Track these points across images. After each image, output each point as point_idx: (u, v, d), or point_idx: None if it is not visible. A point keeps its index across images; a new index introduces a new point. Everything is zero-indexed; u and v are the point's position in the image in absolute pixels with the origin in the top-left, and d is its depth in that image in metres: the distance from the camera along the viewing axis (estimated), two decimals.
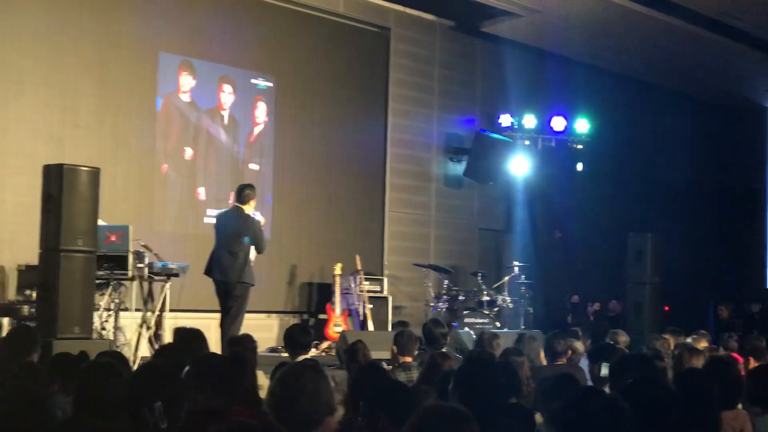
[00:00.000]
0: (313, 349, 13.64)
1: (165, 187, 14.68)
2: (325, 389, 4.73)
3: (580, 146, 18.80)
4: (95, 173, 10.13)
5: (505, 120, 18.48)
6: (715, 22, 17.50)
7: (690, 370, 6.73)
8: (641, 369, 6.03)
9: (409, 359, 8.82)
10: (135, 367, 10.59)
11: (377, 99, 17.52)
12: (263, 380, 7.35)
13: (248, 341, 8.43)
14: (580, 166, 19.00)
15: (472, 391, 5.17)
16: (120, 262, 11.45)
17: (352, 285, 15.38)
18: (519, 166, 18.69)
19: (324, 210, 16.58)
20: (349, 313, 15.19)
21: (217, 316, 11.96)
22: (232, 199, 14.11)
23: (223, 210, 12.79)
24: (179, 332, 8.07)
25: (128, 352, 11.49)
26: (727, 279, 22.02)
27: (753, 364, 9.24)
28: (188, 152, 14.94)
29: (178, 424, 4.46)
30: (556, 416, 3.85)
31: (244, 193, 11.95)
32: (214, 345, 11.84)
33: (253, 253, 11.84)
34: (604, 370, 7.40)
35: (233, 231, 11.76)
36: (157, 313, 12.14)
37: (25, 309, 11.47)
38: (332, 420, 5.54)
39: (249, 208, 11.87)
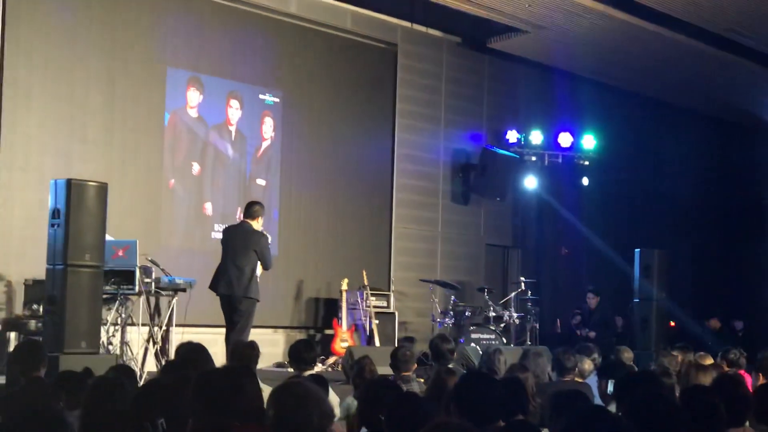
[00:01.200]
0: (320, 365, 13.67)
1: (172, 203, 14.70)
2: (323, 399, 4.74)
3: (586, 162, 18.84)
4: (103, 188, 10.15)
5: (512, 136, 18.53)
6: (722, 38, 17.50)
7: (696, 386, 6.70)
8: (646, 386, 6.02)
9: (407, 373, 8.87)
10: (141, 382, 10.61)
11: (384, 114, 17.54)
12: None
13: (251, 349, 8.42)
14: (585, 181, 19.04)
15: (467, 406, 5.17)
16: (127, 277, 11.48)
17: (359, 300, 15.40)
18: (526, 182, 18.74)
19: (331, 225, 16.59)
20: (356, 328, 15.20)
21: (224, 330, 11.96)
22: (239, 215, 14.14)
23: (231, 225, 12.78)
24: (182, 347, 8.06)
25: (135, 367, 11.50)
26: (734, 295, 21.95)
27: (762, 380, 9.20)
28: (195, 167, 14.96)
29: None
30: None
31: (253, 209, 11.96)
32: (221, 360, 11.84)
33: (259, 269, 11.84)
34: (611, 387, 7.40)
35: (240, 246, 11.76)
36: (163, 328, 12.16)
37: (32, 324, 11.48)
38: (336, 426, 5.54)
39: (257, 225, 11.87)
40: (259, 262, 11.81)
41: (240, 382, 5.79)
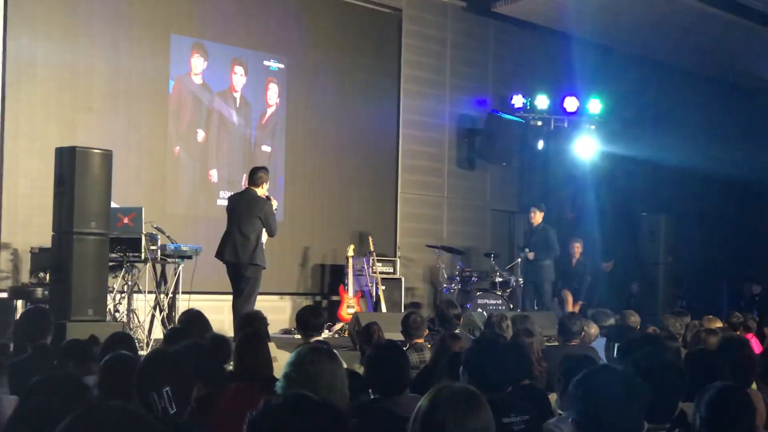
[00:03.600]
0: (326, 331, 13.68)
1: (177, 170, 14.69)
2: (341, 377, 4.71)
3: (592, 126, 18.74)
4: (107, 156, 10.15)
5: (518, 101, 18.43)
6: (730, 1, 17.41)
7: (700, 349, 6.73)
8: (649, 348, 6.03)
9: (420, 340, 8.85)
10: (148, 349, 10.65)
11: (389, 80, 17.48)
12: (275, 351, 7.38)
13: (258, 320, 8.42)
14: (587, 150, 18.88)
15: (477, 372, 5.17)
16: (133, 244, 11.48)
17: (365, 266, 15.39)
18: (538, 145, 18.66)
19: (336, 191, 16.57)
20: (362, 294, 15.20)
21: (230, 297, 11.95)
22: (244, 182, 14.12)
23: (235, 192, 12.74)
24: (182, 316, 8.10)
25: (141, 334, 11.53)
26: (741, 259, 21.98)
27: None
28: (200, 134, 14.94)
29: (187, 408, 4.46)
30: (572, 393, 3.86)
31: (257, 175, 11.88)
32: (228, 327, 11.87)
33: (264, 236, 11.81)
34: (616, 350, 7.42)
35: (245, 213, 11.72)
36: (170, 295, 12.17)
37: (39, 291, 11.48)
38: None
39: (261, 191, 11.82)
40: (264, 229, 11.78)
41: (219, 353, 5.84)
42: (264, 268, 11.76)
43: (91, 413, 2.95)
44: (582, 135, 18.86)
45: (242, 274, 11.59)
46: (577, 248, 16.61)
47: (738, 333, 10.79)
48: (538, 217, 16.02)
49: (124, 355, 5.57)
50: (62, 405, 4.09)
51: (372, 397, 5.65)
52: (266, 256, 11.80)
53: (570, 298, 16.21)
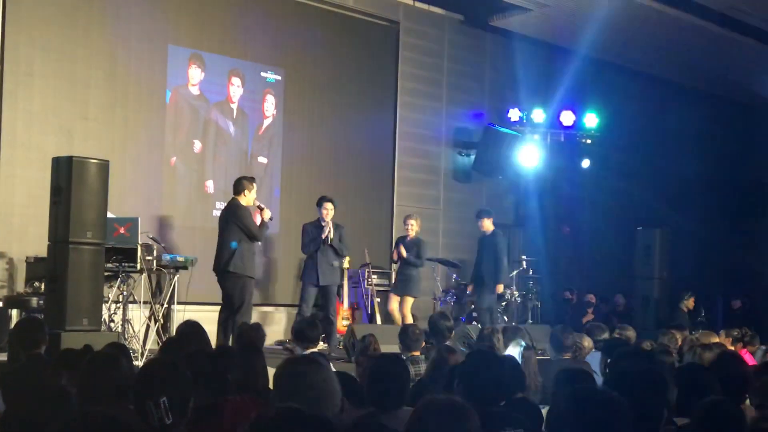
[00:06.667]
0: (321, 343, 13.67)
1: (174, 180, 14.70)
2: (332, 387, 4.69)
3: (588, 141, 18.77)
4: (104, 166, 10.16)
5: (514, 114, 18.44)
6: (724, 16, 17.47)
7: (691, 364, 6.74)
8: (636, 363, 6.05)
9: (416, 353, 8.86)
10: (143, 359, 10.65)
11: (386, 92, 17.50)
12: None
13: (255, 331, 8.43)
14: (586, 163, 18.93)
15: (473, 386, 5.18)
16: (129, 254, 11.49)
17: (361, 278, 15.39)
18: (527, 159, 18.64)
19: None
20: (357, 306, 15.20)
21: None
22: None
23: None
24: (180, 326, 8.11)
25: (136, 345, 11.53)
26: (737, 274, 21.97)
27: None
28: (197, 145, 14.95)
29: (184, 419, 4.46)
30: (553, 418, 3.87)
31: (237, 184, 11.99)
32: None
33: (258, 246, 11.83)
34: None
35: (224, 222, 11.83)
36: (165, 305, 12.17)
37: (34, 301, 11.49)
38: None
39: (244, 199, 11.85)
40: (257, 239, 11.83)
41: (224, 361, 5.84)
42: (250, 278, 11.76)
43: (77, 423, 2.96)
44: (577, 149, 18.88)
45: (222, 283, 11.65)
46: (412, 225, 14.53)
47: (735, 348, 10.82)
48: (331, 213, 13.62)
49: (104, 353, 5.57)
50: (46, 414, 4.11)
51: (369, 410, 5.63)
52: (262, 267, 11.81)
53: (395, 304, 14.34)
